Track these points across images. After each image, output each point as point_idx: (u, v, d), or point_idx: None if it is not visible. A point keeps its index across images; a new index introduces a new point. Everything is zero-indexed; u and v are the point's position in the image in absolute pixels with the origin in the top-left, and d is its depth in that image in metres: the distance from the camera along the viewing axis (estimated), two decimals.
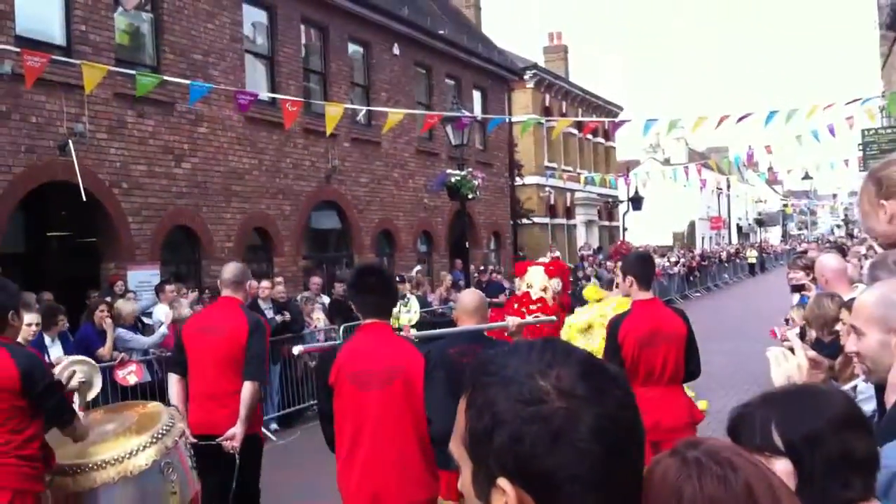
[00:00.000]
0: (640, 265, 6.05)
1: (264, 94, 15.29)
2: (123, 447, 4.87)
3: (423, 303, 15.90)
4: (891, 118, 26.45)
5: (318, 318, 14.14)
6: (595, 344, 7.64)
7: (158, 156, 14.68)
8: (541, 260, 11.54)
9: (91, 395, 5.88)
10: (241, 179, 16.64)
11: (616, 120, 19.65)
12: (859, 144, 33.66)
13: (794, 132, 19.64)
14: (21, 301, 5.19)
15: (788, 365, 2.69)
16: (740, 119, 16.30)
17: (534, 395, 1.15)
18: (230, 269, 6.42)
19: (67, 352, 9.14)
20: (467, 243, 18.58)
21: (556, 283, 9.23)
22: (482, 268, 21.55)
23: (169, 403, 6.00)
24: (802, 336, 3.84)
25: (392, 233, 22.11)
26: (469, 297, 5.93)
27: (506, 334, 6.31)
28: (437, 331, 6.93)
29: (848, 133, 20.53)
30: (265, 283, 14.00)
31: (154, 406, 5.58)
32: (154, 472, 4.88)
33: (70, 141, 12.67)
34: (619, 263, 6.21)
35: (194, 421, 5.93)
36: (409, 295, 15.12)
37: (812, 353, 2.80)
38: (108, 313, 10.53)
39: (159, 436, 4.99)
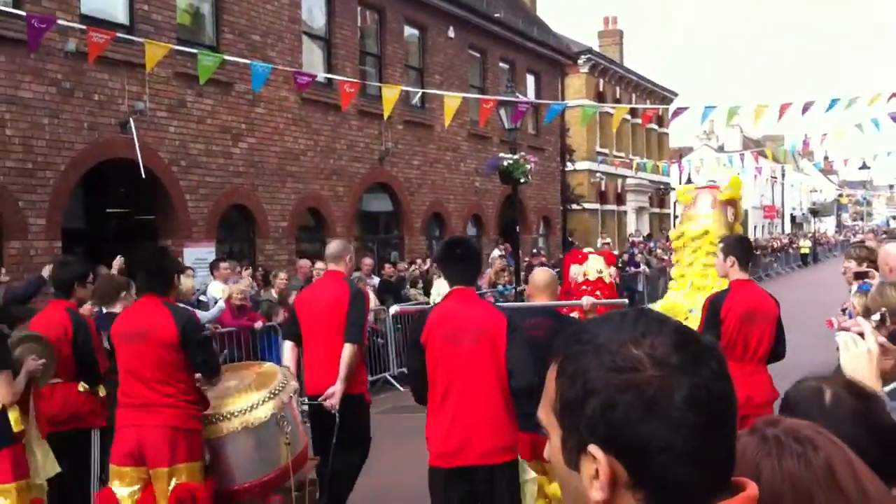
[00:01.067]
0: (741, 247, 6.38)
1: (322, 76, 15.34)
2: (246, 401, 5.51)
3: None
4: None
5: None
6: None
7: (216, 135, 14.87)
8: (588, 250, 11.47)
9: None
10: (296, 160, 16.79)
11: (673, 107, 19.43)
12: None
13: (852, 121, 19.20)
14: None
15: (858, 350, 2.65)
16: (805, 109, 15.91)
17: (627, 364, 1.14)
18: (333, 245, 7.02)
19: None
20: (517, 228, 18.55)
21: (613, 271, 9.46)
22: (534, 251, 21.52)
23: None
24: (883, 320, 3.76)
25: (443, 216, 22.17)
26: (541, 274, 6.34)
27: (583, 312, 6.69)
28: (514, 304, 7.18)
29: None
30: (319, 265, 14.12)
31: (269, 366, 6.27)
32: (271, 424, 5.50)
33: (131, 119, 12.89)
34: (721, 245, 6.50)
35: (309, 383, 6.49)
36: None
37: (882, 339, 2.76)
38: None
39: (276, 392, 5.59)
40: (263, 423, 5.48)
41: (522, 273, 17.92)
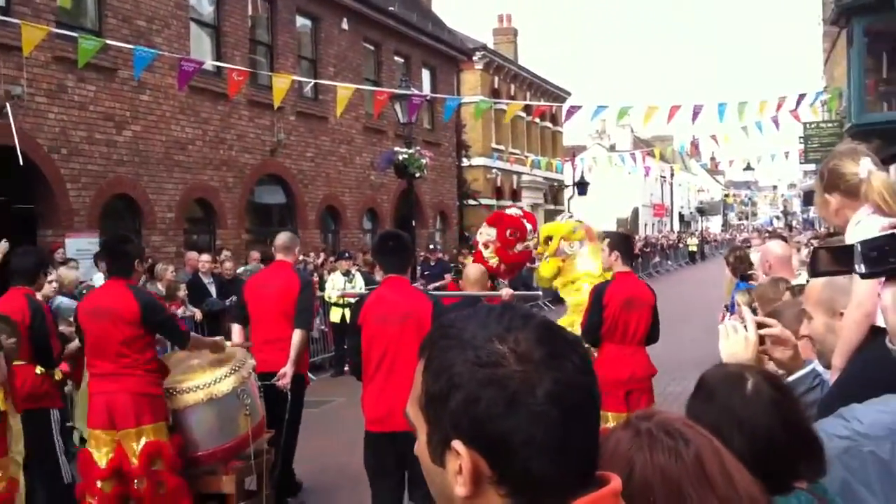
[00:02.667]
0: (624, 243, 7.20)
1: (210, 63, 14.98)
2: (210, 376, 6.22)
3: (368, 280, 15.80)
4: (832, 113, 26.94)
5: None
6: None
7: (99, 122, 14.38)
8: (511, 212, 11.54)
9: None
10: (183, 149, 16.36)
11: (567, 105, 19.70)
12: (801, 137, 34.08)
13: (738, 124, 19.84)
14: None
15: (737, 337, 2.66)
16: (695, 115, 16.34)
17: (490, 359, 1.14)
18: (282, 237, 7.59)
19: None
20: (413, 222, 18.49)
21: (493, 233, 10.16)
22: (431, 247, 21.47)
23: None
24: (754, 311, 3.80)
25: (337, 209, 21.96)
26: (473, 269, 7.55)
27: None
28: (443, 292, 8.43)
29: (790, 126, 20.86)
30: (205, 257, 13.78)
31: (229, 346, 6.95)
32: (233, 396, 6.22)
33: (7, 104, 12.35)
34: (607, 241, 7.31)
35: (258, 362, 6.95)
36: (353, 271, 15.07)
37: (778, 330, 2.75)
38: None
39: (237, 368, 6.31)
40: (226, 396, 6.15)
41: (419, 268, 17.88)
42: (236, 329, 7.50)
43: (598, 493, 1.16)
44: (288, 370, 6.92)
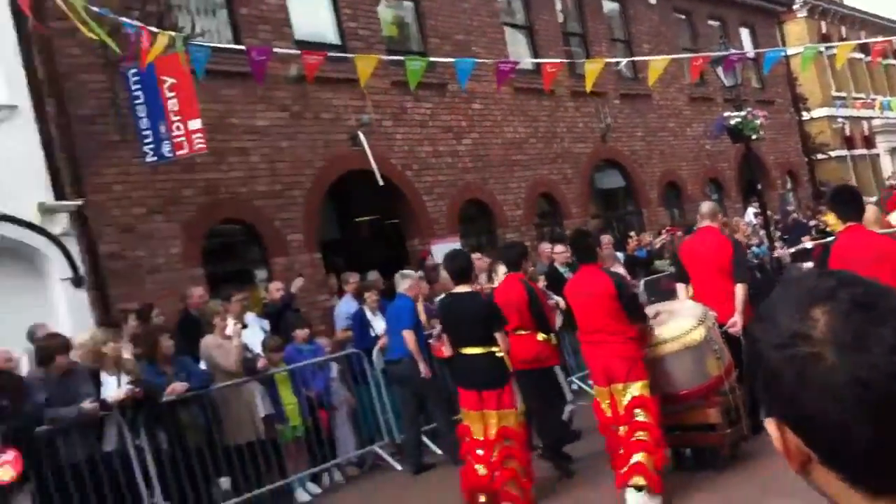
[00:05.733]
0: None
1: (526, 61, 15.57)
2: (680, 328, 7.37)
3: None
4: None
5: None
6: None
7: (440, 136, 15.44)
8: None
9: None
10: (519, 149, 17.09)
11: None
12: None
13: None
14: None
15: None
16: None
17: (782, 338, 1.06)
18: (706, 206, 8.92)
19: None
20: (759, 185, 17.84)
21: None
22: (788, 208, 20.44)
23: None
24: None
25: (678, 183, 21.73)
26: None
27: None
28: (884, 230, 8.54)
29: None
30: (559, 248, 13.98)
31: (689, 301, 8.22)
32: (703, 343, 7.33)
33: (359, 132, 13.65)
34: None
35: None
36: None
37: None
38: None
39: (703, 319, 7.44)
40: (699, 343, 7.27)
41: (777, 232, 17.16)
42: (681, 287, 8.66)
43: None
44: (737, 318, 7.92)
